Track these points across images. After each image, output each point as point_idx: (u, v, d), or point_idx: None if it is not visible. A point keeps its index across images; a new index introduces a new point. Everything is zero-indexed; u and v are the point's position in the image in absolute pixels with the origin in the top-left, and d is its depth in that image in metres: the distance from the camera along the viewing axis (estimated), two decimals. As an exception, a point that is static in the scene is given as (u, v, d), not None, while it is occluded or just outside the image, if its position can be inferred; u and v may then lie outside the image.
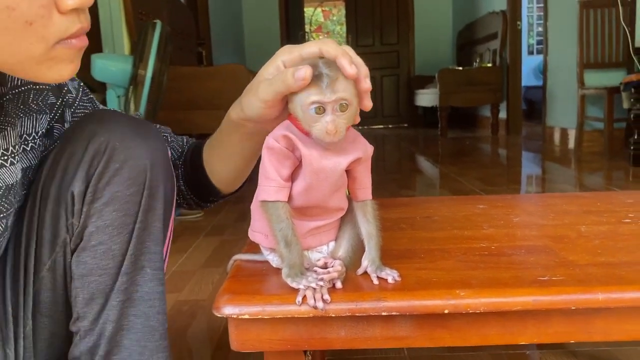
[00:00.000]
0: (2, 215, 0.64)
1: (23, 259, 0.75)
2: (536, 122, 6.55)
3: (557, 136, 4.89)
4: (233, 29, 7.36)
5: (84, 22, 0.51)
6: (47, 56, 0.50)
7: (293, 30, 8.11)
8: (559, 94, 4.89)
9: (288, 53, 0.62)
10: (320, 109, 0.55)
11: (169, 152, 0.78)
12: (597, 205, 0.93)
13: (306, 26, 9.99)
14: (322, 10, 16.16)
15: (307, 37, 9.46)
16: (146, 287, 0.67)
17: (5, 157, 0.63)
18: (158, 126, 0.88)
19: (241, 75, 3.48)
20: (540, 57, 5.94)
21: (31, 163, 0.69)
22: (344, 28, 8.81)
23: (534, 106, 7.74)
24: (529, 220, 0.88)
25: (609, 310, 0.57)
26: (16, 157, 0.64)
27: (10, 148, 0.63)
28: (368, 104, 0.59)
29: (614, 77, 4.04)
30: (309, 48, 0.60)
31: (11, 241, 0.77)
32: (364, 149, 0.60)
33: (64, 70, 0.52)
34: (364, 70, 0.58)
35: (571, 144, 4.53)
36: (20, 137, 0.66)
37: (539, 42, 8.71)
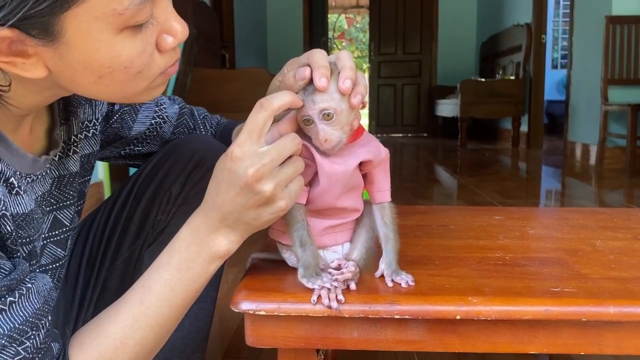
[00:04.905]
0: (69, 202, 0.67)
1: (103, 248, 0.81)
2: (557, 136, 6.49)
3: (578, 151, 4.84)
4: (257, 33, 7.43)
5: (178, 52, 0.56)
6: (148, 88, 0.55)
7: (316, 35, 8.14)
8: (581, 109, 4.85)
9: (290, 64, 0.64)
10: (309, 120, 0.58)
11: (208, 124, 0.91)
12: (614, 221, 0.93)
13: (329, 32, 10.03)
14: (346, 17, 16.20)
15: (329, 43, 9.50)
16: (203, 290, 0.69)
17: (69, 147, 0.67)
18: (194, 107, 0.94)
19: (263, 79, 3.51)
20: (564, 71, 5.90)
21: (92, 149, 0.73)
22: (367, 35, 8.83)
23: (555, 120, 7.67)
24: (544, 233, 0.89)
25: (621, 324, 0.58)
26: (78, 145, 0.68)
27: (73, 137, 0.68)
28: (354, 122, 0.59)
29: (639, 94, 4.00)
30: (303, 58, 0.61)
31: (92, 231, 0.82)
32: (375, 152, 0.62)
33: (158, 92, 0.57)
34: (357, 86, 0.58)
35: (592, 160, 4.48)
36: (82, 123, 0.70)
37: (563, 56, 8.64)
